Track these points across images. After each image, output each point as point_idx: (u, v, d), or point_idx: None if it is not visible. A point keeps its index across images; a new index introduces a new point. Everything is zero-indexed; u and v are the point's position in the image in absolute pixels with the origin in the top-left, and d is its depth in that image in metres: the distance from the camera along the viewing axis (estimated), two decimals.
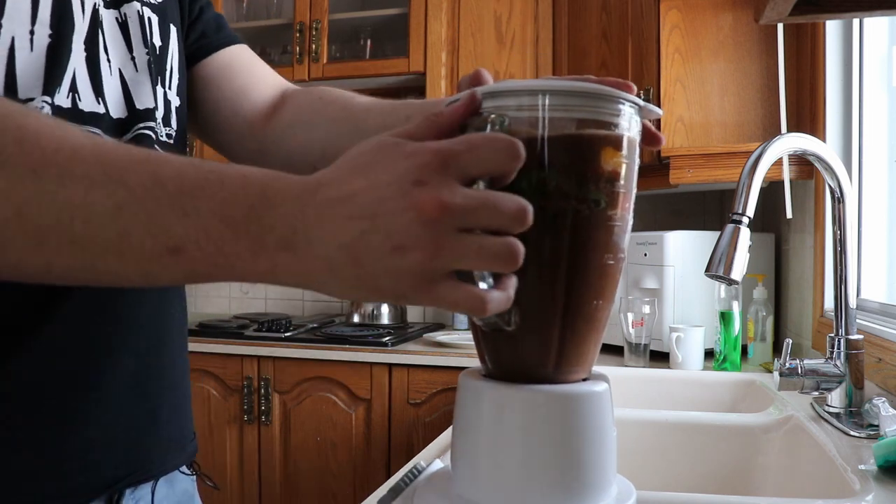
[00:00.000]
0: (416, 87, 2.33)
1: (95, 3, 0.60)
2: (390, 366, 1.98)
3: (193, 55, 0.75)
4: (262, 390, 2.07)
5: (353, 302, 2.38)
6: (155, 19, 0.66)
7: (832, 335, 0.98)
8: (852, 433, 0.90)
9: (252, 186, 0.37)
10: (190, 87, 0.75)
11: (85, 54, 0.57)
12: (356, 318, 2.36)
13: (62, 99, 0.55)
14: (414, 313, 2.59)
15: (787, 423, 0.99)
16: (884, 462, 0.75)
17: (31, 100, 0.53)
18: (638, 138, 0.45)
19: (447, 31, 2.22)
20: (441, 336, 2.11)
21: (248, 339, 2.10)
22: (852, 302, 0.98)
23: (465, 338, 2.05)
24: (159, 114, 0.65)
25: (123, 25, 0.63)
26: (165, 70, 0.67)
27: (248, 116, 0.75)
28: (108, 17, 0.61)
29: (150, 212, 0.37)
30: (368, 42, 2.42)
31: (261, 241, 0.36)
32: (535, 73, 2.15)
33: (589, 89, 0.42)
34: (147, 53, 0.64)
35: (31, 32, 0.53)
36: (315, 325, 2.26)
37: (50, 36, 0.54)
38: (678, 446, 1.02)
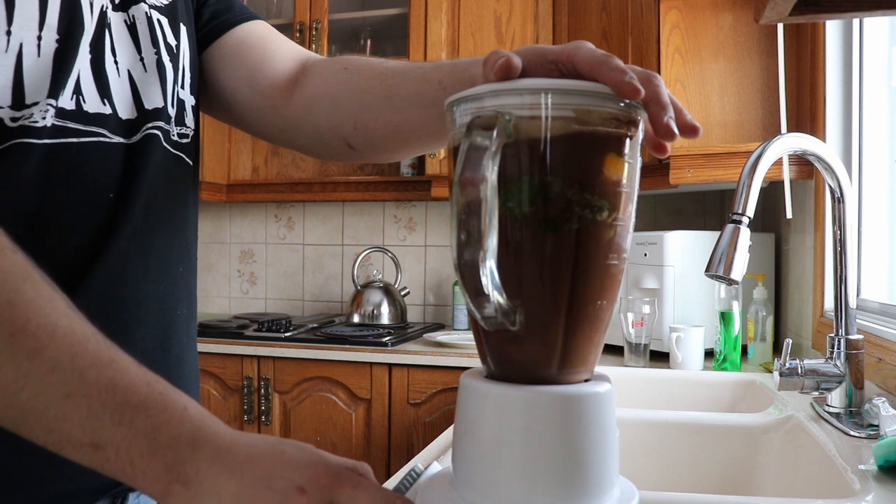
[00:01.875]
0: None
1: (104, 6, 0.59)
2: (390, 366, 1.98)
3: (206, 37, 0.74)
4: (262, 390, 2.07)
5: (353, 301, 2.39)
6: (165, 21, 0.66)
7: (832, 335, 0.98)
8: (852, 433, 0.90)
9: (188, 423, 0.42)
10: (207, 71, 0.74)
11: (90, 56, 0.57)
12: (356, 318, 2.36)
13: (66, 101, 0.55)
14: (414, 313, 2.59)
15: (787, 423, 1.00)
16: (884, 462, 0.75)
17: (36, 104, 0.53)
18: (641, 137, 0.45)
19: (447, 31, 2.22)
20: (441, 336, 2.11)
21: (248, 339, 2.10)
22: (852, 302, 0.98)
23: (464, 338, 2.05)
24: (172, 112, 0.65)
25: (132, 27, 0.62)
26: (178, 69, 0.67)
27: (266, 92, 0.73)
28: (116, 19, 0.61)
29: (92, 409, 0.41)
30: (368, 42, 2.42)
31: (168, 469, 0.41)
32: None
33: (593, 88, 0.42)
34: (156, 54, 0.64)
35: (39, 38, 0.53)
36: (315, 325, 2.26)
37: (57, 41, 0.54)
38: (678, 446, 1.02)
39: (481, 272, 0.38)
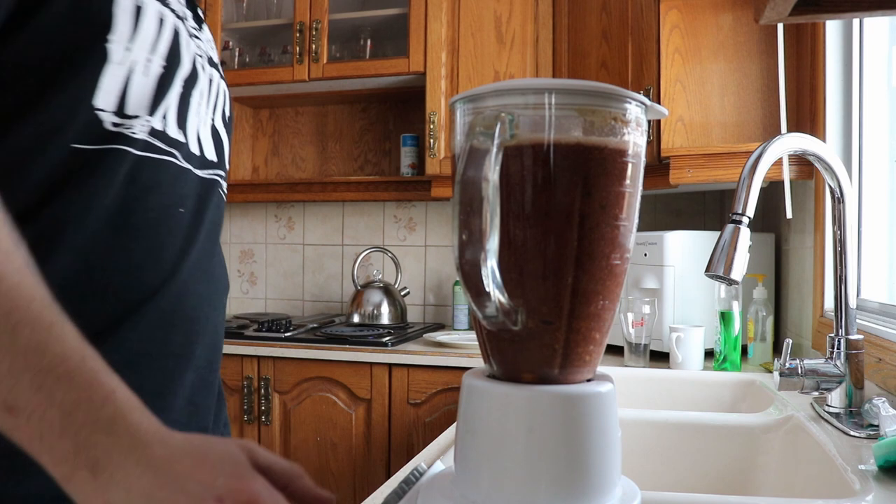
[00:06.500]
0: (416, 86, 2.33)
1: (196, 54, 0.66)
2: (390, 366, 1.98)
3: None
4: (262, 390, 2.07)
5: (353, 301, 2.39)
6: (227, 93, 0.75)
7: (832, 335, 0.98)
8: (852, 433, 0.90)
9: (110, 406, 0.40)
10: None
11: (181, 90, 0.64)
12: (356, 318, 2.36)
13: (157, 121, 0.61)
14: (414, 313, 2.59)
15: (787, 423, 1.00)
16: (884, 462, 0.75)
17: (137, 117, 0.59)
18: (644, 139, 0.45)
19: (447, 31, 2.22)
20: (441, 336, 2.11)
21: (248, 339, 2.10)
22: (852, 302, 0.98)
23: (465, 338, 2.05)
24: (224, 169, 0.73)
25: (211, 83, 0.70)
26: (229, 139, 0.75)
27: None
28: (203, 75, 0.68)
29: (14, 368, 0.39)
30: (368, 42, 2.42)
31: (77, 450, 0.38)
32: (536, 73, 2.15)
33: (596, 88, 0.42)
34: (223, 118, 0.72)
35: (148, 60, 0.59)
36: (315, 325, 2.26)
37: (163, 67, 0.61)
38: (678, 446, 1.02)
39: (483, 272, 0.38)
